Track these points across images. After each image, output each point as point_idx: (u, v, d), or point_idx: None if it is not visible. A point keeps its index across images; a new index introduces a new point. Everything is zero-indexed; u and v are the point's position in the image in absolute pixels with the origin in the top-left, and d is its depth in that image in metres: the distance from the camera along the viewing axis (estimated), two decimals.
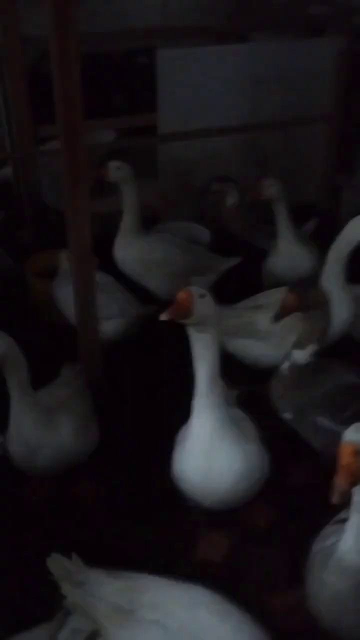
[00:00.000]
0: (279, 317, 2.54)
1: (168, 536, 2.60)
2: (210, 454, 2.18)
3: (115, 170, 3.46)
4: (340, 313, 2.87)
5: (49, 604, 1.97)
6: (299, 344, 2.52)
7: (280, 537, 2.60)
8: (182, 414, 2.33)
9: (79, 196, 2.45)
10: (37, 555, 2.07)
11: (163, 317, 2.03)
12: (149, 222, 4.34)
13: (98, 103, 5.04)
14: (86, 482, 2.78)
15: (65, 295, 3.28)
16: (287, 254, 3.62)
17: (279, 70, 4.28)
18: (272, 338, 2.99)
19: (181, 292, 2.01)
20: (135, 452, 2.96)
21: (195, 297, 2.00)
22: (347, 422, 2.46)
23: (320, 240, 3.60)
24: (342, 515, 2.02)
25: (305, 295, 2.46)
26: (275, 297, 2.95)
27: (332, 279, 2.94)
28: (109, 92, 5.52)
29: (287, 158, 4.59)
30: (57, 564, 1.96)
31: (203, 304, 2.01)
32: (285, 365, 2.56)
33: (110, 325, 3.19)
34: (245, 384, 3.24)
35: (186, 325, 2.05)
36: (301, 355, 2.52)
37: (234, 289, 3.34)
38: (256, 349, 3.08)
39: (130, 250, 3.66)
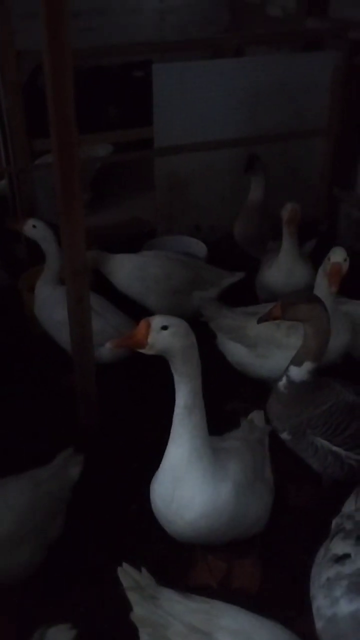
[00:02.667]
0: (261, 320, 2.58)
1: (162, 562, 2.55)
2: (175, 484, 2.09)
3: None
4: (337, 334, 2.82)
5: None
6: (295, 361, 2.48)
7: (277, 555, 2.55)
8: None
9: (72, 211, 2.41)
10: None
11: (108, 345, 2.00)
12: (144, 236, 4.34)
13: (95, 117, 5.06)
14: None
15: (45, 312, 3.29)
16: (286, 269, 3.56)
17: (275, 84, 4.28)
18: (258, 347, 3.04)
19: (141, 322, 1.96)
20: (125, 477, 2.92)
21: (154, 328, 1.92)
22: (345, 443, 2.44)
23: (318, 254, 3.58)
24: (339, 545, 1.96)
25: (296, 307, 2.42)
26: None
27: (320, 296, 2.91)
28: (106, 106, 5.52)
29: (284, 171, 4.58)
30: (128, 575, 1.92)
31: (160, 337, 1.93)
32: (283, 382, 2.51)
33: (108, 350, 3.14)
34: (241, 401, 3.25)
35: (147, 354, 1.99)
36: (298, 372, 2.47)
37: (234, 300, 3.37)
38: (240, 354, 3.13)
39: (123, 270, 3.62)
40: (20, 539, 2.22)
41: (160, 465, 2.16)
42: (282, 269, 3.54)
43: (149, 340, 1.93)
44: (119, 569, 1.95)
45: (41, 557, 2.31)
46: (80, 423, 3.01)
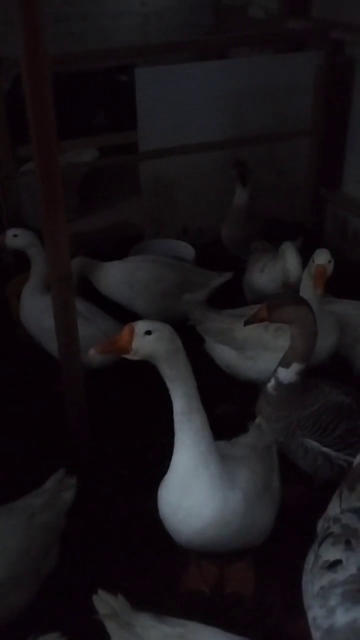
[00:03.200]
0: (248, 322, 2.58)
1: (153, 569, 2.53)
2: (183, 492, 2.03)
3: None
4: (324, 335, 2.81)
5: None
6: (283, 363, 2.47)
7: (270, 559, 2.54)
8: (167, 440, 2.23)
9: (55, 217, 2.40)
10: None
11: (90, 352, 1.98)
12: (132, 240, 4.33)
13: (80, 122, 5.05)
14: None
15: (31, 319, 3.27)
16: (277, 273, 3.53)
17: (259, 86, 4.29)
18: (246, 350, 3.03)
19: (125, 328, 1.94)
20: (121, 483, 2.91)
21: (137, 333, 1.91)
22: (335, 444, 2.44)
23: (304, 253, 3.58)
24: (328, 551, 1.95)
25: (282, 309, 2.42)
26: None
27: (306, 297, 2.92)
28: (91, 111, 5.51)
29: (269, 173, 4.58)
30: (104, 602, 1.90)
31: (145, 342, 1.91)
32: (272, 384, 2.50)
33: (96, 355, 3.12)
34: (231, 404, 3.24)
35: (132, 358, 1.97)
36: (286, 374, 2.46)
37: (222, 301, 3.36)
38: (228, 357, 3.11)
39: (109, 277, 3.61)
40: (13, 583, 2.10)
41: (168, 473, 2.11)
42: (272, 277, 3.53)
43: (133, 345, 1.91)
44: (94, 596, 1.92)
45: (35, 592, 2.20)
46: (69, 428, 2.99)
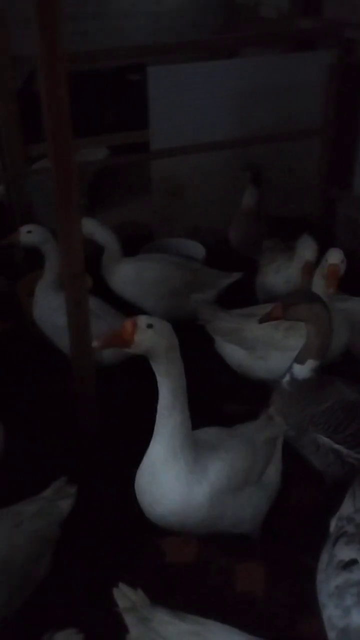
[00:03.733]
0: (262, 320, 2.59)
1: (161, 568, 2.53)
2: (151, 479, 2.13)
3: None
4: (335, 332, 2.82)
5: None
6: (299, 359, 2.48)
7: (282, 558, 2.54)
8: None
9: (70, 215, 2.42)
10: None
11: (94, 344, 2.02)
12: (142, 239, 4.34)
13: (90, 120, 5.06)
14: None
15: (44, 316, 3.28)
16: (291, 272, 3.51)
17: (270, 85, 4.29)
18: (256, 349, 3.04)
19: (127, 320, 1.99)
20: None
21: (140, 326, 1.96)
22: (347, 441, 2.44)
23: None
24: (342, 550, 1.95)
25: (297, 307, 2.44)
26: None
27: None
28: (101, 110, 5.52)
29: (280, 172, 4.58)
30: (124, 595, 1.93)
31: (147, 335, 1.96)
32: (287, 379, 2.51)
33: (110, 352, 3.14)
34: (241, 403, 3.25)
35: (132, 355, 2.02)
36: (301, 370, 2.48)
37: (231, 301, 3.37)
38: (238, 356, 3.12)
39: (120, 275, 3.62)
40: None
41: (144, 458, 2.20)
42: (286, 276, 3.52)
43: (136, 338, 1.96)
44: (115, 589, 1.95)
45: (21, 599, 2.16)
46: (79, 426, 3.00)
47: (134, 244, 4.23)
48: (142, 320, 1.98)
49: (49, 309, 3.26)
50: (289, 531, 2.63)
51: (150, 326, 1.97)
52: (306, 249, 3.28)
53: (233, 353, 3.14)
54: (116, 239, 3.61)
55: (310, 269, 3.19)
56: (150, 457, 2.14)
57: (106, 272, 3.66)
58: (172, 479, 2.10)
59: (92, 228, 3.53)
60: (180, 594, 2.44)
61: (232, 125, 4.28)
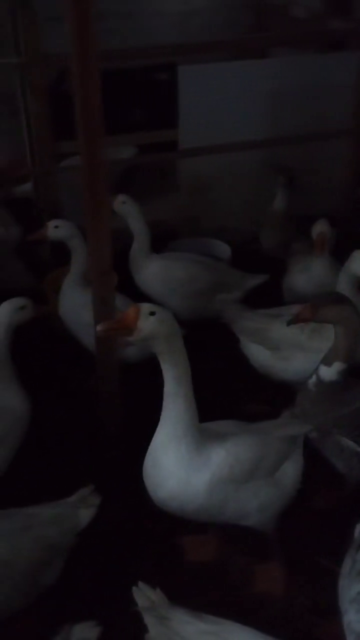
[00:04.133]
0: (291, 322, 2.58)
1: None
2: (154, 462, 2.20)
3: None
4: None
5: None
6: (326, 361, 2.47)
7: (303, 561, 2.53)
8: None
9: (98, 212, 2.43)
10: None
11: (98, 328, 2.06)
12: (168, 237, 4.35)
13: (118, 119, 5.08)
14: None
15: (70, 312, 3.31)
16: (319, 273, 3.52)
17: (299, 85, 4.27)
18: (280, 350, 3.03)
19: (130, 308, 2.03)
20: None
21: (143, 313, 2.00)
22: None
23: (341, 255, 3.56)
24: None
25: (326, 308, 2.43)
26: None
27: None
28: (129, 108, 5.54)
29: (307, 172, 4.55)
30: (143, 594, 1.95)
31: (149, 322, 2.00)
32: (313, 380, 2.50)
33: (135, 349, 3.16)
34: (264, 404, 3.24)
35: (134, 343, 2.05)
36: (327, 372, 2.46)
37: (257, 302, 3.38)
38: (263, 356, 3.12)
39: (148, 271, 3.62)
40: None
41: (151, 441, 2.24)
42: (314, 278, 3.52)
43: (138, 325, 1.99)
44: (134, 588, 1.98)
45: (24, 602, 2.14)
46: (102, 423, 3.02)
47: (160, 242, 4.24)
48: (145, 307, 2.02)
49: (75, 305, 3.28)
50: (311, 533, 2.62)
51: (152, 314, 2.01)
52: (319, 223, 3.51)
53: (257, 353, 3.14)
54: (148, 230, 3.60)
55: (323, 241, 3.43)
56: (155, 442, 2.19)
57: (134, 266, 3.66)
58: (173, 464, 2.14)
59: (130, 210, 3.54)
60: (199, 593, 2.44)
61: (261, 126, 4.27)
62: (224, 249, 4.21)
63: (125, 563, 2.52)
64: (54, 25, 4.03)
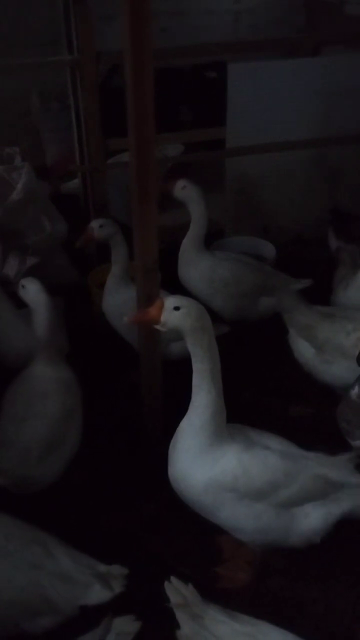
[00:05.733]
0: None
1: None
2: (174, 443, 2.28)
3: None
4: None
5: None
6: None
7: (344, 566, 2.50)
8: None
9: (147, 210, 2.43)
10: None
11: (125, 319, 2.19)
12: (213, 236, 4.34)
13: (166, 117, 5.09)
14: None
15: (113, 309, 3.33)
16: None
17: (351, 84, 4.19)
18: (324, 351, 2.99)
19: (156, 301, 2.13)
20: None
21: (166, 308, 2.07)
22: None
23: None
24: None
25: None
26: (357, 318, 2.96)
27: None
28: (178, 106, 5.54)
29: (357, 173, 4.48)
30: (176, 591, 1.94)
31: (172, 316, 2.07)
32: (355, 391, 2.46)
33: (177, 347, 3.16)
34: (307, 405, 3.20)
35: (161, 331, 2.15)
36: None
37: None
38: (307, 354, 3.10)
39: (195, 267, 3.61)
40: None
41: None
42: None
43: (162, 318, 2.08)
44: (166, 583, 1.96)
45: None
46: (144, 419, 3.03)
47: (204, 240, 4.23)
48: (170, 301, 2.08)
49: (118, 302, 3.30)
50: (356, 541, 2.57)
51: (177, 308, 2.06)
52: None
53: (303, 349, 3.11)
54: (207, 217, 3.57)
55: None
56: (180, 425, 2.27)
57: (183, 259, 3.62)
58: (184, 450, 2.21)
59: (193, 195, 3.53)
60: (234, 592, 2.43)
61: (310, 125, 4.21)
62: (269, 249, 4.17)
63: (159, 557, 2.54)
64: (105, 24, 4.09)
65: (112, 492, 2.83)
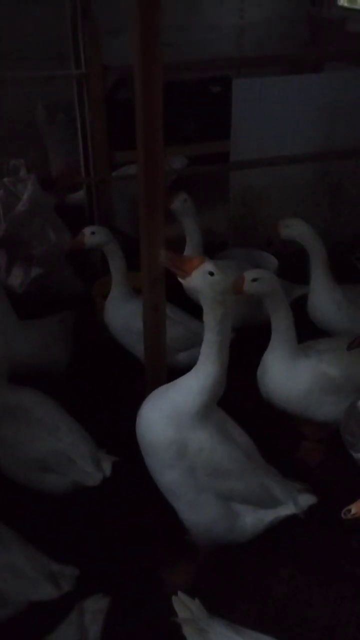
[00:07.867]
0: (350, 347, 2.57)
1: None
2: (153, 401, 2.36)
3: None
4: None
5: None
6: None
7: (349, 577, 2.50)
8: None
9: (154, 222, 2.46)
10: None
11: (161, 256, 2.26)
12: (216, 248, 4.37)
13: (171, 130, 5.14)
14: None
15: (116, 321, 3.35)
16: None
17: (353, 100, 4.25)
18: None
19: (196, 257, 2.16)
20: None
21: (202, 269, 2.08)
22: None
23: None
24: None
25: None
26: None
27: None
28: (182, 120, 5.59)
29: (359, 188, 4.52)
30: (183, 605, 1.97)
31: (201, 277, 2.08)
32: None
33: (184, 356, 3.17)
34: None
35: (184, 285, 2.17)
36: None
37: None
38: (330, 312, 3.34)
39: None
40: None
41: None
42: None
43: (193, 274, 2.10)
44: (174, 597, 1.99)
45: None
46: None
47: (209, 252, 4.26)
48: (208, 265, 2.09)
49: (123, 313, 3.32)
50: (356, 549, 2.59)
51: (211, 274, 2.08)
52: None
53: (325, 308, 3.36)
54: (201, 233, 3.65)
55: None
56: (176, 382, 2.35)
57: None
58: (166, 404, 2.26)
59: (189, 210, 3.57)
60: (240, 605, 2.43)
61: (313, 140, 4.26)
62: (271, 261, 4.21)
63: (163, 572, 2.53)
64: (111, 38, 4.15)
65: (113, 502, 2.83)
